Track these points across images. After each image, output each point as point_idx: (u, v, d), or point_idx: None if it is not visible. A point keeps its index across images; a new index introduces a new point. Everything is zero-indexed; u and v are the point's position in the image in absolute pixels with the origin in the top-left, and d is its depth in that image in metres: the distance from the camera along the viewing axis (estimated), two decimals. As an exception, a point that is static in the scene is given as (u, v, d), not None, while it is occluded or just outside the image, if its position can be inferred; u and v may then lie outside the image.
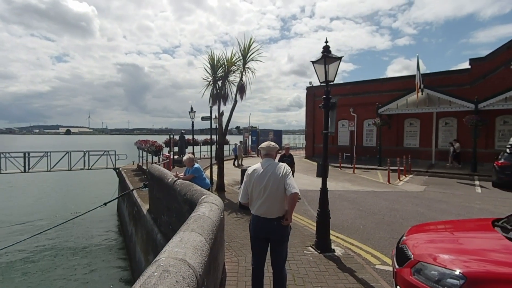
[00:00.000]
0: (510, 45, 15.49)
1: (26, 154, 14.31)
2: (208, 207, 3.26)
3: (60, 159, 14.85)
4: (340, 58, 4.88)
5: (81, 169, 15.49)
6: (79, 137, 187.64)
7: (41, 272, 8.69)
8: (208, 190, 5.13)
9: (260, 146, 3.38)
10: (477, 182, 12.23)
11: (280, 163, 3.18)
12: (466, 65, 16.92)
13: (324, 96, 4.96)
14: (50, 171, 14.70)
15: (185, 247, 2.03)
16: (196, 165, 5.69)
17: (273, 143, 3.35)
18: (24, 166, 14.17)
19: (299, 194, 3.05)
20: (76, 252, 10.14)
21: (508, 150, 11.18)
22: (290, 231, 3.15)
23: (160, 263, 1.71)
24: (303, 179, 12.84)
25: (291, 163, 8.77)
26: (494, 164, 11.36)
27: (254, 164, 3.27)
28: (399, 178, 13.17)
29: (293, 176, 3.44)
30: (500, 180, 10.98)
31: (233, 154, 20.25)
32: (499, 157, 11.51)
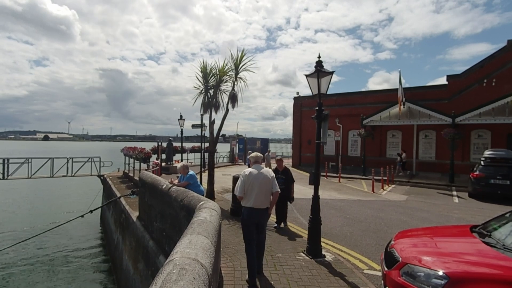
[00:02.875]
0: (483, 64, 16.68)
1: (5, 160, 13.73)
2: (209, 212, 3.37)
3: (42, 166, 14.35)
4: (332, 73, 5.19)
5: (63, 176, 14.99)
6: (58, 143, 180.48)
7: (18, 284, 8.29)
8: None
9: (249, 156, 4.57)
10: (454, 193, 12.87)
11: (267, 169, 4.32)
12: (443, 80, 18.06)
13: (317, 108, 5.22)
14: (31, 178, 14.15)
15: (195, 248, 2.14)
16: (191, 172, 5.77)
17: (259, 153, 4.56)
18: (3, 173, 13.57)
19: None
20: (56, 262, 9.77)
21: (482, 163, 11.88)
22: (269, 217, 4.51)
23: (176, 262, 1.82)
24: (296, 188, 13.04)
25: (289, 181, 6.71)
26: (470, 176, 11.99)
27: (247, 169, 4.28)
28: (382, 187, 13.65)
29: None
30: (475, 191, 11.61)
31: (246, 163, 17.98)
32: (474, 169, 12.19)
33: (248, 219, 4.09)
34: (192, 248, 2.13)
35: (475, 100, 15.52)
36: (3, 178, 13.65)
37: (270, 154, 18.89)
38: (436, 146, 18.13)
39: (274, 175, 4.31)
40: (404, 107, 16.91)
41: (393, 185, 14.82)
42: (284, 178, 6.66)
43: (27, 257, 10.13)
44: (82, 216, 10.44)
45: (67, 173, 14.99)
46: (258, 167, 4.20)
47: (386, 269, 3.40)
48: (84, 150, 65.04)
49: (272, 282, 3.96)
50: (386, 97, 19.21)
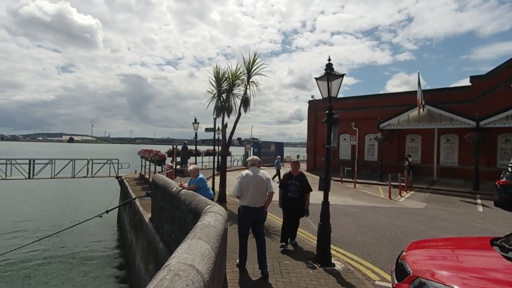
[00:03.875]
0: (510, 63, 15.79)
1: (31, 161, 14.50)
2: (213, 216, 3.36)
3: (64, 167, 15.02)
4: (342, 76, 5.07)
5: (84, 176, 15.61)
6: (82, 145, 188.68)
7: (39, 279, 8.67)
8: (212, 200, 5.23)
9: (247, 159, 4.95)
10: (479, 201, 12.19)
11: (262, 171, 4.61)
12: (466, 81, 17.23)
13: (327, 112, 5.12)
14: (54, 178, 14.84)
15: (193, 253, 2.12)
16: (200, 175, 5.80)
17: (255, 157, 4.88)
18: (29, 173, 14.32)
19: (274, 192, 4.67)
20: (74, 260, 10.13)
21: (510, 169, 11.18)
22: (266, 216, 4.81)
23: (171, 268, 1.81)
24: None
25: (304, 189, 5.48)
26: (496, 183, 11.33)
27: (245, 171, 4.58)
28: (400, 194, 13.16)
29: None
30: (502, 200, 10.92)
31: (275, 168, 17.18)
32: (501, 175, 11.51)
33: (244, 216, 4.49)
34: (190, 254, 2.11)
35: (501, 102, 14.68)
36: (29, 178, 14.42)
37: (279, 161, 17.58)
38: (458, 151, 17.30)
39: (269, 177, 4.58)
40: (423, 110, 16.29)
41: (412, 192, 14.24)
42: (299, 186, 5.42)
43: (48, 253, 10.59)
44: (100, 215, 10.75)
45: (87, 174, 15.59)
46: (255, 170, 4.57)
47: (396, 282, 3.24)
48: (105, 152, 67.50)
49: (278, 290, 3.88)
50: (404, 100, 18.61)
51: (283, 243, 5.60)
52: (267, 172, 4.64)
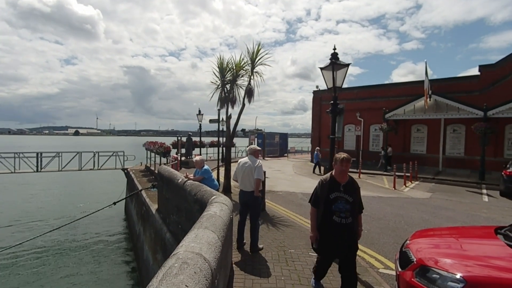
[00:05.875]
0: (520, 52, 15.39)
1: (39, 154, 14.73)
2: (219, 207, 3.41)
3: (71, 159, 15.25)
4: (347, 65, 5.02)
5: (90, 169, 15.85)
6: (87, 138, 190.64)
7: (50, 269, 8.93)
8: (217, 191, 5.29)
9: (247, 148, 5.17)
10: (484, 191, 12.13)
11: (257, 160, 4.93)
12: (475, 70, 16.87)
13: (332, 102, 5.09)
14: (61, 170, 15.09)
15: (200, 242, 2.18)
16: (206, 166, 5.86)
17: (254, 146, 5.23)
18: (37, 166, 14.58)
19: (262, 179, 5.07)
20: (84, 250, 10.39)
21: (516, 159, 11.09)
22: (260, 200, 5.18)
23: (179, 256, 1.87)
24: (309, 183, 12.92)
25: (356, 206, 3.34)
26: (502, 173, 11.26)
27: (241, 159, 5.05)
28: (405, 184, 13.14)
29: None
30: (508, 190, 10.87)
31: (314, 161, 17.33)
32: (508, 165, 11.42)
33: (239, 198, 5.07)
34: (197, 243, 2.17)
35: (510, 92, 14.41)
36: (37, 171, 14.68)
37: (319, 152, 17.15)
38: (465, 141, 17.10)
39: (259, 165, 4.82)
40: (430, 100, 16.06)
41: (417, 182, 14.21)
42: (351, 202, 3.23)
43: (59, 243, 10.89)
44: (109, 206, 10.95)
45: (94, 166, 15.82)
46: (251, 158, 4.97)
47: (400, 269, 3.28)
48: (111, 145, 68.15)
49: (283, 278, 3.96)
50: (410, 90, 18.35)
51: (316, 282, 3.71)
52: (259, 161, 5.01)
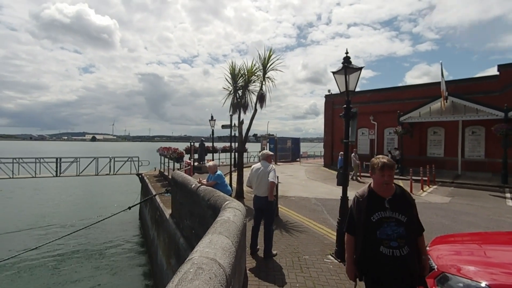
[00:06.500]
0: (542, 50, 14.77)
1: (58, 160, 15.26)
2: (232, 212, 3.41)
3: (88, 165, 15.71)
4: (360, 69, 4.95)
5: (107, 174, 16.25)
6: (103, 143, 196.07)
7: (66, 272, 9.14)
8: (230, 196, 5.30)
9: (259, 153, 5.42)
10: (508, 195, 11.59)
11: (270, 165, 4.98)
12: (493, 70, 16.26)
13: (345, 106, 5.03)
14: (79, 175, 15.56)
15: (215, 248, 2.18)
16: (219, 171, 5.89)
17: (266, 151, 5.29)
18: (56, 171, 15.09)
19: (276, 183, 5.15)
20: (99, 254, 10.60)
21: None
22: (275, 205, 5.55)
23: (194, 261, 1.87)
24: (322, 188, 12.74)
25: (411, 230, 2.27)
26: (527, 176, 10.76)
27: (254, 165, 5.15)
28: (422, 188, 12.75)
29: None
30: (534, 193, 10.36)
31: (338, 166, 15.06)
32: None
33: (254, 204, 5.10)
34: (212, 248, 2.16)
35: (533, 92, 13.80)
36: (56, 176, 15.20)
37: (356, 153, 16.15)
38: (485, 143, 16.44)
39: (272, 169, 4.86)
40: (447, 102, 15.60)
41: (435, 186, 13.75)
42: (405, 224, 2.27)
43: (75, 246, 11.17)
44: (124, 210, 11.16)
45: (110, 171, 16.22)
46: (264, 163, 5.03)
47: (420, 277, 3.16)
48: (126, 150, 69.77)
49: (297, 285, 3.90)
50: (425, 92, 17.88)
51: None
52: (272, 165, 5.04)
